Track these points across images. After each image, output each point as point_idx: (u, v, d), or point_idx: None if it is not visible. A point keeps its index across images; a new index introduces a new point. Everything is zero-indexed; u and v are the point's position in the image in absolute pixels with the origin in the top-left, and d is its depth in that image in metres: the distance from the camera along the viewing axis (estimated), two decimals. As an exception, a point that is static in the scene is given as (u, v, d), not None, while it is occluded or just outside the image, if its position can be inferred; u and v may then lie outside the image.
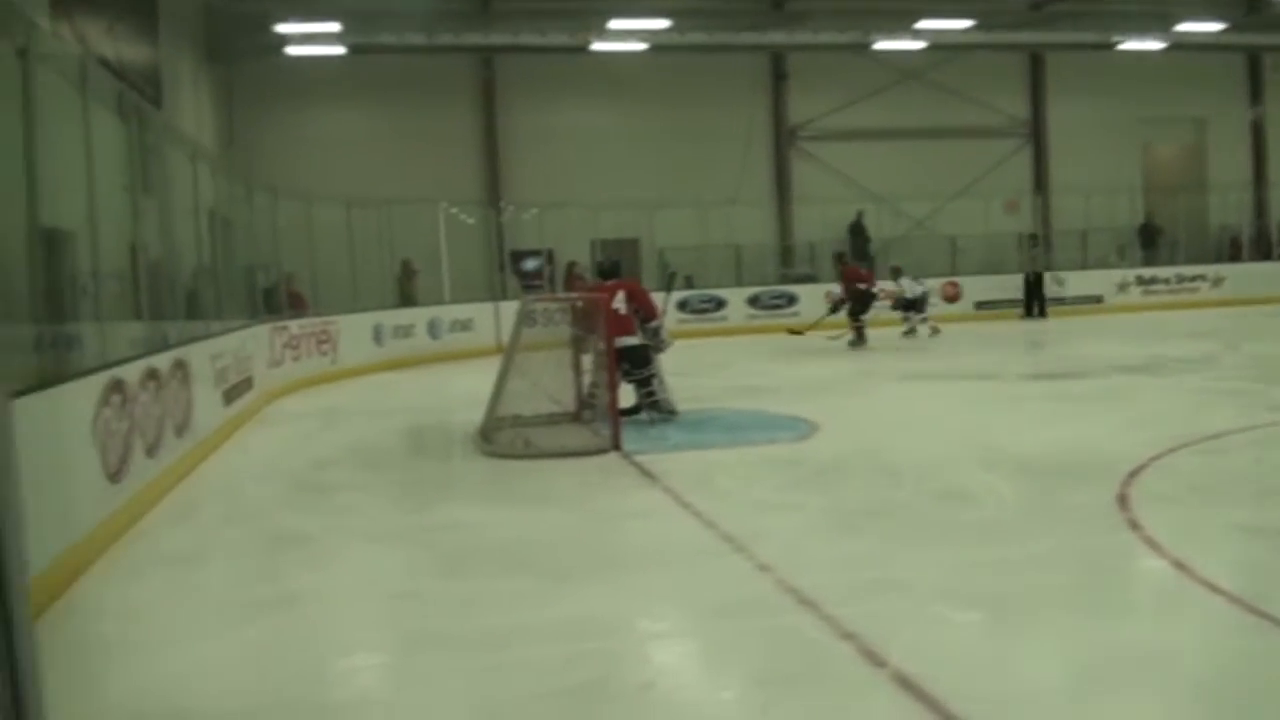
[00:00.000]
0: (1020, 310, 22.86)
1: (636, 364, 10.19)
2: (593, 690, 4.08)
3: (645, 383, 10.27)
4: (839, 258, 19.11)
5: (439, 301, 19.48)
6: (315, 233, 16.79)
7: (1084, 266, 24.36)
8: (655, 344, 10.37)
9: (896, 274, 19.34)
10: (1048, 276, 22.94)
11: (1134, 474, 7.24)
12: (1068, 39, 24.82)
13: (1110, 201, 25.36)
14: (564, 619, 4.87)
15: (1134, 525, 6.05)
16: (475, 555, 6.14)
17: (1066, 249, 24.82)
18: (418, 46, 21.84)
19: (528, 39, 22.13)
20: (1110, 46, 25.20)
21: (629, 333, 10.14)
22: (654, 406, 10.28)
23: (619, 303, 10.19)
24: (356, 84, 22.48)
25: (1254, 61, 27.96)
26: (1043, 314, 22.60)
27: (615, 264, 11.07)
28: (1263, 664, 4.20)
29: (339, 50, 21.54)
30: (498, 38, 22.24)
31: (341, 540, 6.64)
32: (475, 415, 9.95)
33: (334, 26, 20.75)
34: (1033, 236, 23.43)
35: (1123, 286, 23.61)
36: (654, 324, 10.38)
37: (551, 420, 9.99)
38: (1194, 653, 4.37)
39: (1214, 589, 4.94)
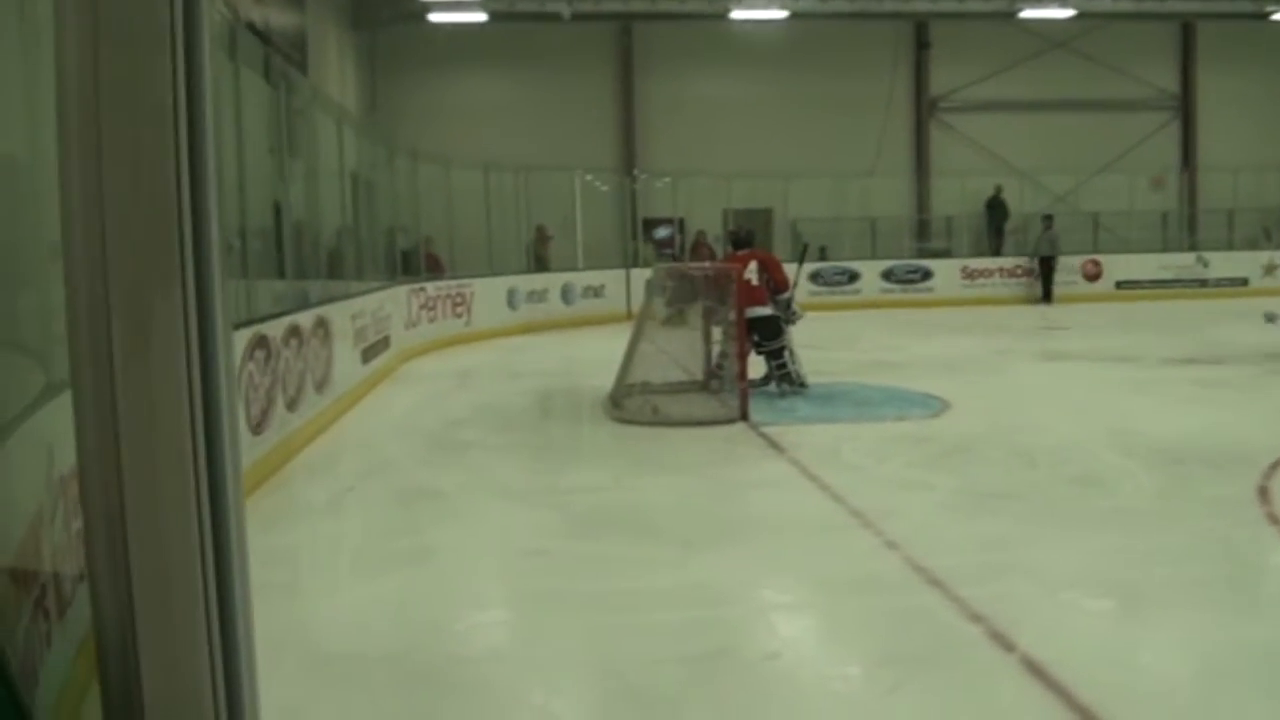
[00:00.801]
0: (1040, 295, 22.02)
1: (767, 335, 10.17)
2: (716, 658, 4.12)
3: (776, 354, 10.23)
4: None
5: (572, 268, 19.67)
6: (453, 197, 17.09)
7: (1230, 247, 23.45)
8: (786, 315, 10.33)
9: None
10: (1061, 261, 22.07)
11: (1276, 466, 7.00)
12: (1221, 8, 23.82)
13: (1260, 179, 24.33)
14: (689, 585, 4.92)
15: (1274, 519, 5.87)
16: (603, 518, 6.23)
17: (1213, 228, 23.95)
18: (557, 14, 21.97)
19: (667, 6, 22.10)
20: (1265, 17, 24.10)
21: (760, 303, 10.12)
22: (785, 378, 10.24)
23: (751, 273, 10.17)
24: (496, 51, 22.71)
25: None
26: (1048, 299, 21.66)
27: (749, 233, 11.02)
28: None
29: (480, 17, 21.78)
30: (637, 5, 22.25)
31: (474, 497, 6.80)
32: (605, 381, 10.05)
33: (476, -6, 21.04)
34: (1046, 217, 22.34)
35: (1270, 269, 22.68)
36: (785, 295, 10.35)
37: (679, 388, 10.03)
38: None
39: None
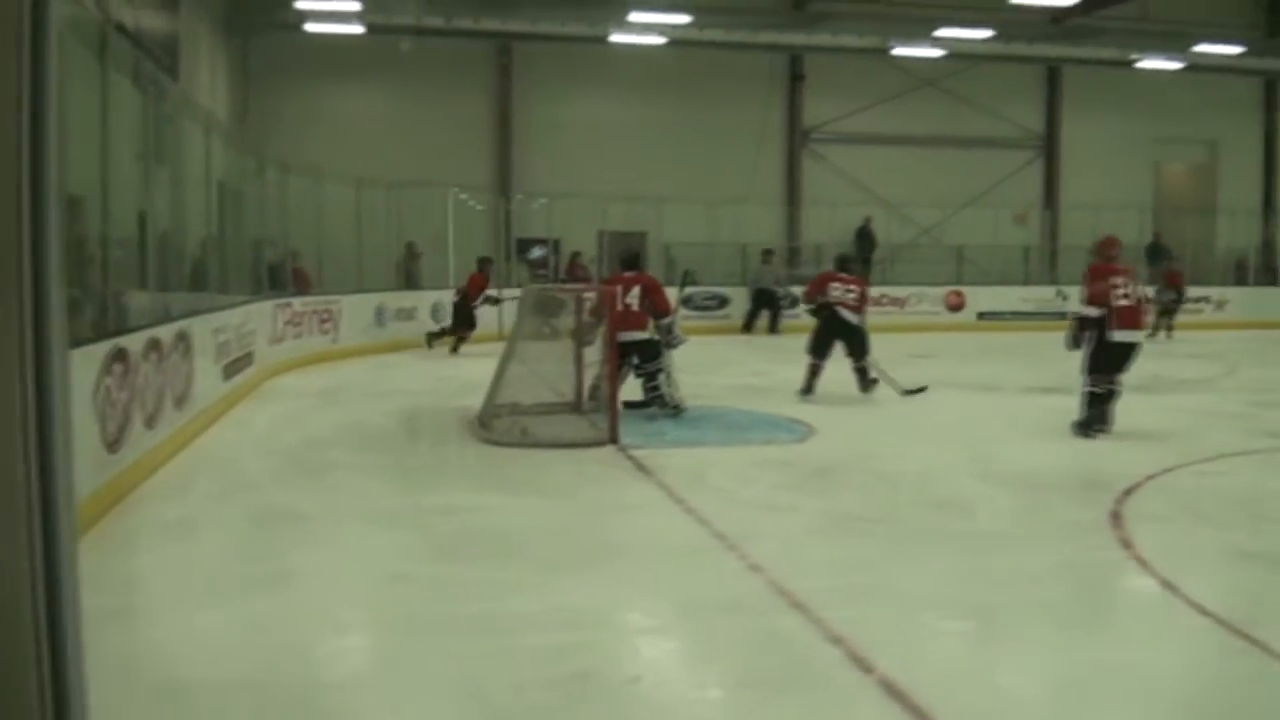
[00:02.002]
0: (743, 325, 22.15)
1: (645, 358, 10.25)
2: (579, 681, 4.10)
3: (651, 376, 10.32)
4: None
5: (443, 286, 19.48)
6: (323, 211, 16.80)
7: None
8: (667, 340, 10.41)
9: None
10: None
11: (1129, 492, 7.26)
12: (1086, 54, 24.76)
13: (1119, 218, 25.20)
14: (554, 609, 4.89)
15: (1126, 544, 6.07)
16: (468, 541, 6.16)
17: (1073, 264, 24.76)
18: (436, 29, 21.81)
19: (546, 27, 22.09)
20: (1128, 64, 25.15)
21: (639, 327, 10.22)
22: (658, 401, 10.31)
23: (633, 296, 10.26)
24: (373, 64, 22.44)
25: (1270, 86, 27.91)
26: (774, 330, 21.74)
27: (635, 255, 11.11)
28: (1246, 688, 4.23)
29: (357, 29, 21.50)
30: (516, 24, 22.20)
31: (336, 520, 6.66)
32: (474, 401, 9.98)
33: (353, 4, 20.70)
34: (766, 251, 22.72)
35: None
36: (667, 320, 10.44)
37: (550, 410, 9.99)
38: (1178, 673, 4.41)
39: (1202, 611, 4.96)
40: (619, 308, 10.07)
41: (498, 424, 9.41)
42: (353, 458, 8.75)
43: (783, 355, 16.57)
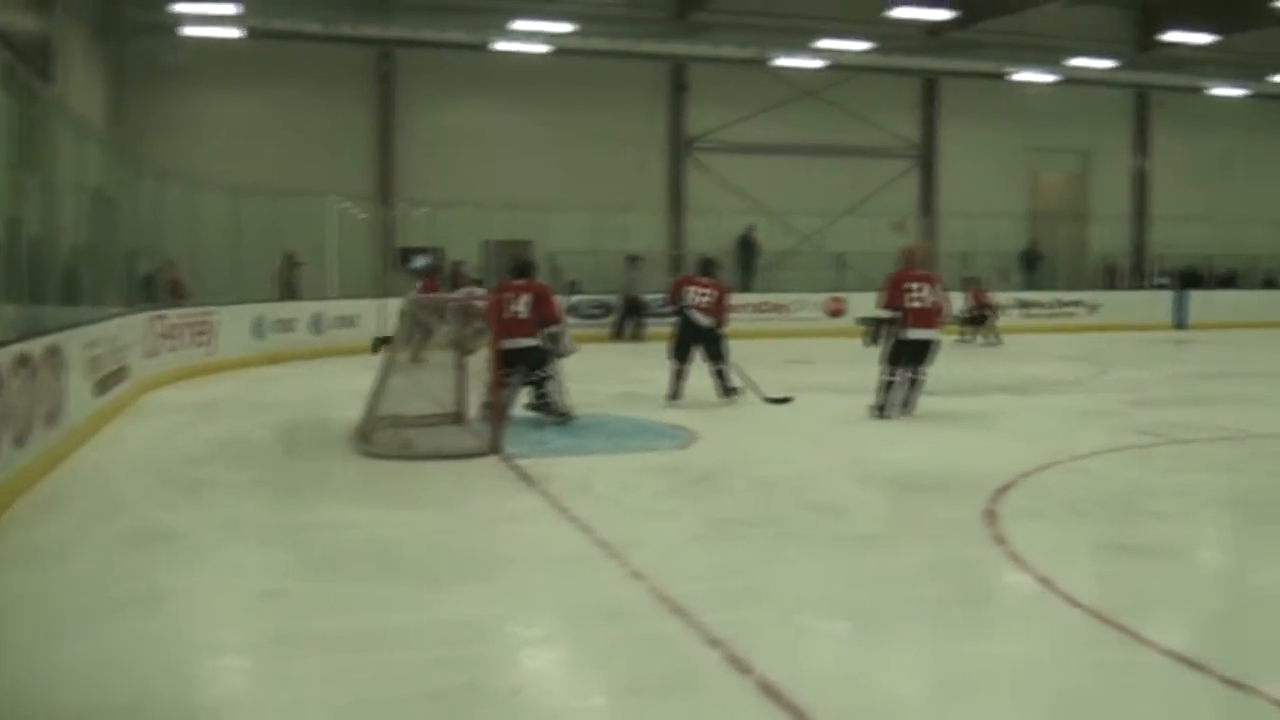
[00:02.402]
0: (612, 331, 22.34)
1: (533, 365, 10.28)
2: (461, 695, 4.07)
3: (539, 384, 10.35)
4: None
5: (323, 296, 19.20)
6: (201, 219, 16.44)
7: (966, 289, 24.76)
8: (556, 349, 10.44)
9: None
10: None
11: (1002, 491, 7.44)
12: (962, 67, 25.39)
13: (995, 226, 25.97)
14: (435, 622, 4.85)
15: (1000, 540, 6.23)
16: (347, 556, 6.05)
17: (951, 270, 25.31)
18: (315, 35, 21.49)
19: (428, 34, 21.91)
20: (1002, 76, 25.84)
21: (527, 335, 10.24)
22: (544, 408, 10.34)
23: (522, 305, 10.28)
24: (252, 69, 22.01)
25: (1141, 99, 28.93)
26: (638, 337, 21.96)
27: (527, 263, 11.13)
28: (1120, 675, 4.37)
29: (235, 33, 21.07)
30: (397, 30, 21.98)
31: (211, 538, 6.50)
32: (354, 413, 9.83)
33: (231, 8, 20.29)
34: (632, 258, 23.00)
35: (1003, 309, 24.14)
36: (556, 329, 10.47)
37: (431, 421, 9.89)
38: (1054, 665, 4.52)
39: (1075, 603, 5.11)
40: (507, 315, 10.17)
41: (378, 437, 9.28)
42: (229, 474, 8.56)
43: (662, 362, 16.68)
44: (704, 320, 11.94)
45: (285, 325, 17.70)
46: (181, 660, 4.52)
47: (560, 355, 10.52)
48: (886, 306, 11.14)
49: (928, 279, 11.27)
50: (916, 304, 10.97)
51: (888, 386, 11.05)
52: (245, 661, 4.66)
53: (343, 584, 5.49)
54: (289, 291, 19.21)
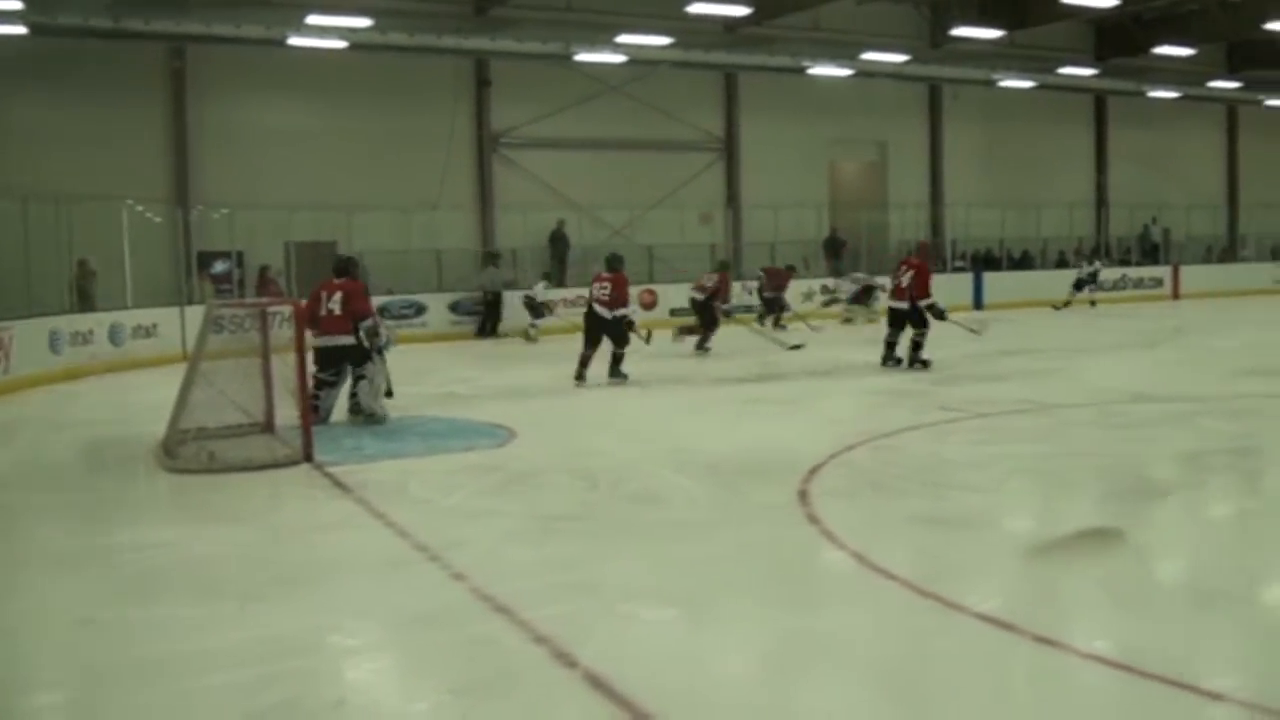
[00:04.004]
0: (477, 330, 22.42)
1: (356, 363, 10.36)
2: (284, 712, 3.98)
3: (354, 383, 10.41)
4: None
5: (121, 306, 18.39)
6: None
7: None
8: (373, 343, 10.45)
9: None
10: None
11: (814, 471, 7.67)
12: (760, 62, 25.86)
13: (798, 216, 26.64)
14: (254, 640, 4.70)
15: (814, 520, 6.42)
16: (161, 578, 5.82)
17: (757, 260, 25.82)
18: (105, 30, 20.49)
19: (221, 29, 21.13)
20: (800, 71, 26.46)
21: (345, 332, 10.31)
22: (355, 409, 10.32)
23: (335, 302, 10.36)
24: (38, 68, 20.76)
25: (934, 90, 30.07)
26: (494, 333, 22.08)
27: (348, 262, 11.20)
28: (935, 640, 4.58)
29: (19, 29, 19.86)
30: (190, 26, 21.05)
31: (13, 567, 6.17)
32: (159, 428, 9.46)
33: (14, 3, 19.15)
34: (491, 255, 23.29)
35: (808, 295, 24.76)
36: (368, 323, 10.46)
37: (239, 432, 9.58)
38: (872, 634, 4.69)
39: (889, 575, 5.32)
40: (323, 313, 10.34)
41: (183, 451, 8.93)
42: (30, 498, 8.13)
43: (493, 361, 16.61)
44: (604, 312, 13.17)
45: (83, 338, 16.86)
46: (-7, 699, 4.27)
47: (377, 350, 10.50)
48: (922, 295, 13.95)
49: (911, 265, 14.18)
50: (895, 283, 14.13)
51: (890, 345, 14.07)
52: (58, 697, 4.42)
53: (158, 607, 5.27)
54: (84, 302, 18.34)
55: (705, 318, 17.16)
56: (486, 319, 22.33)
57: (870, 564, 5.51)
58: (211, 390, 9.37)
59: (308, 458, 8.58)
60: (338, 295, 10.45)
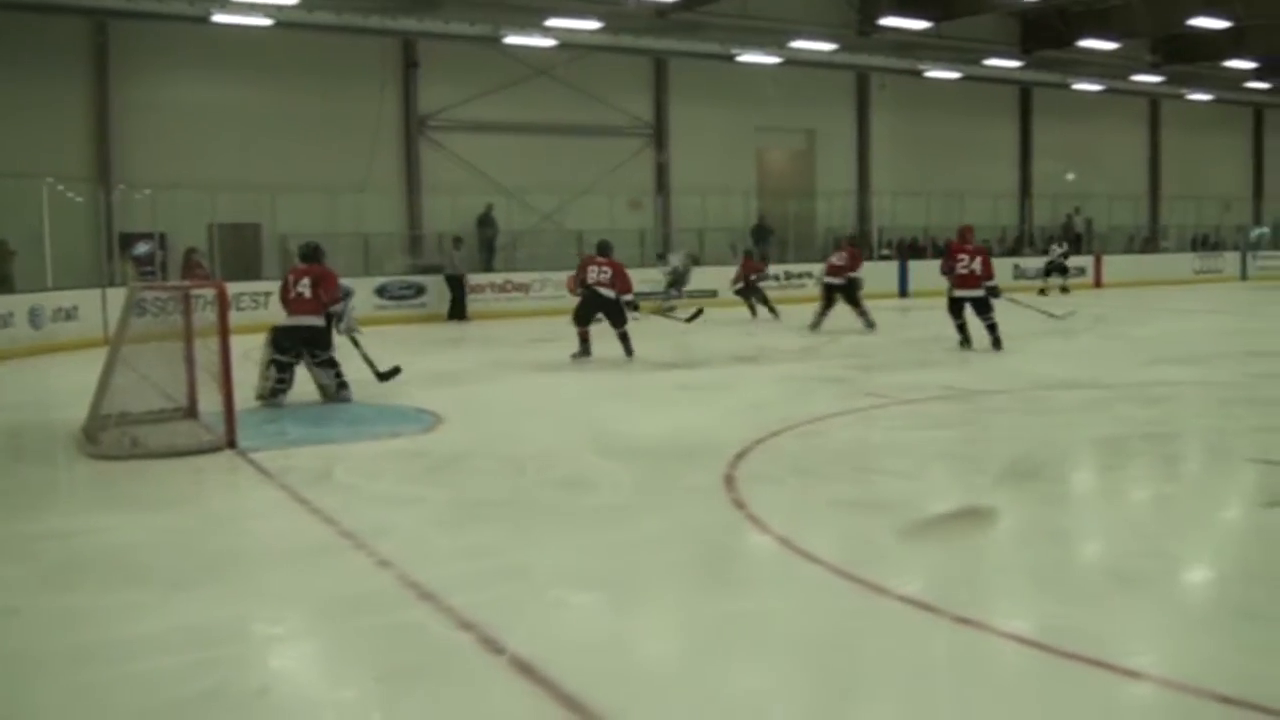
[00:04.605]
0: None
1: (320, 346, 10.65)
2: (205, 700, 3.95)
3: (330, 363, 10.68)
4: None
5: (41, 288, 18.04)
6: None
7: (699, 264, 25.35)
8: (340, 327, 10.79)
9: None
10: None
11: (740, 456, 7.75)
12: (689, 48, 25.90)
13: (726, 202, 26.78)
14: (176, 628, 4.66)
15: (740, 504, 6.49)
16: (81, 566, 5.72)
17: (686, 246, 25.92)
18: (23, 4, 20.06)
19: (144, 5, 20.72)
20: (729, 58, 26.56)
21: (315, 313, 10.65)
22: (344, 387, 10.66)
23: (304, 286, 10.69)
24: (-49, 43, 20.35)
25: (862, 80, 30.34)
26: (463, 316, 22.35)
27: (315, 248, 11.35)
28: (859, 621, 4.68)
29: (-68, 4, 19.41)
30: (112, 1, 20.75)
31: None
32: (80, 413, 9.31)
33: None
34: (456, 239, 23.22)
35: (735, 281, 24.84)
36: (335, 307, 10.78)
37: (162, 417, 9.46)
38: (796, 617, 4.75)
39: (813, 559, 5.40)
40: (293, 295, 10.75)
41: (105, 436, 8.80)
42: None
43: (414, 347, 16.49)
44: (608, 293, 14.08)
45: (2, 321, 16.54)
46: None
47: (342, 332, 10.84)
48: (943, 272, 14.64)
49: (977, 251, 14.58)
50: (964, 271, 14.29)
51: (961, 328, 14.44)
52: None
53: (78, 595, 5.19)
54: (3, 283, 17.96)
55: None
56: (455, 300, 22.22)
57: (795, 548, 5.59)
58: (134, 375, 9.23)
59: (231, 444, 8.49)
60: (306, 280, 10.74)
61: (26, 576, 5.60)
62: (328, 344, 10.75)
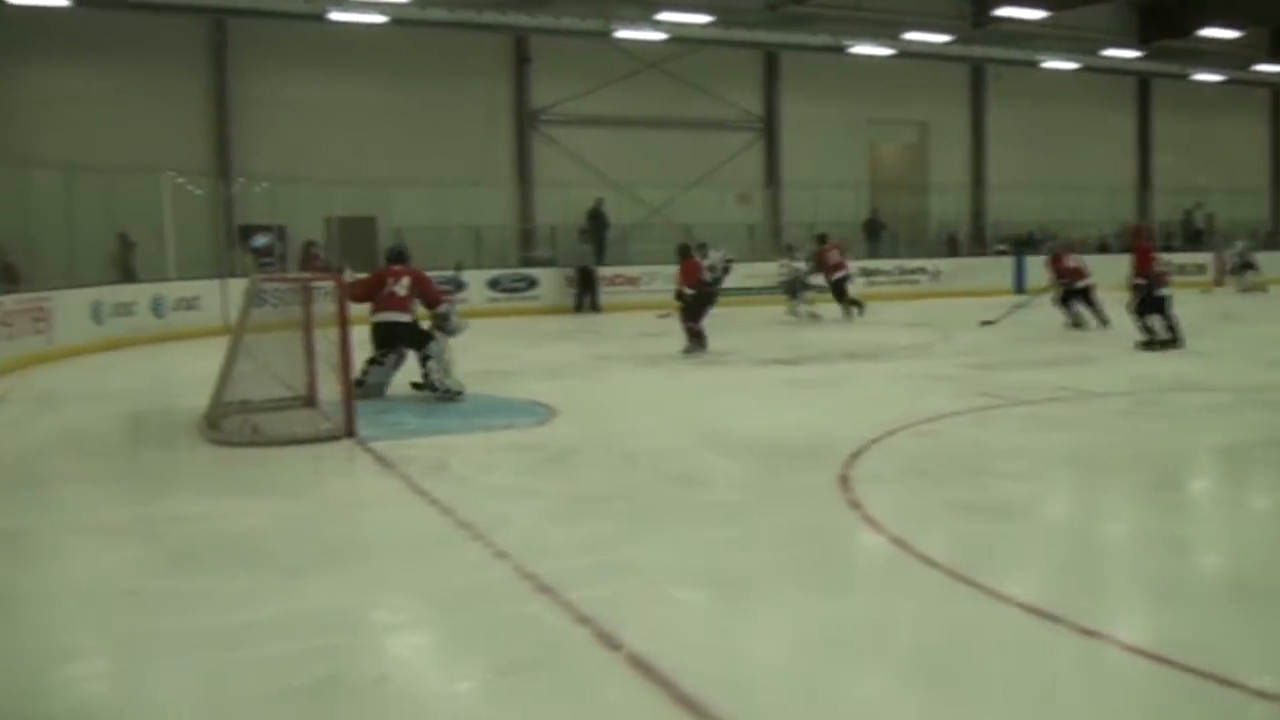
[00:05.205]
0: (574, 305, 22.81)
1: (411, 344, 10.60)
2: (327, 687, 3.99)
3: (421, 363, 10.56)
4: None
5: (163, 278, 18.55)
6: (31, 200, 15.69)
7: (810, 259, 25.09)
8: (444, 327, 10.68)
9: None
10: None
11: (855, 456, 7.63)
12: (801, 40, 25.74)
13: (837, 196, 26.47)
14: (296, 614, 4.74)
15: (855, 505, 6.38)
16: (203, 549, 5.86)
17: (798, 239, 25.71)
18: (146, 4, 20.64)
19: (262, 3, 21.23)
20: (841, 50, 26.30)
21: (406, 310, 10.61)
22: (430, 387, 10.47)
23: (401, 286, 10.62)
24: (80, 41, 20.90)
25: (976, 71, 29.82)
26: (595, 308, 22.50)
27: (401, 251, 11.48)
28: (974, 630, 4.53)
29: (63, 2, 20.01)
30: (231, 0, 21.26)
31: (58, 536, 6.23)
32: (201, 400, 9.54)
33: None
34: (582, 231, 23.50)
35: (850, 278, 24.54)
36: (441, 309, 10.75)
37: (282, 405, 9.66)
38: (912, 623, 4.65)
39: (929, 562, 5.28)
40: (387, 293, 10.64)
41: (227, 423, 9.02)
42: (75, 467, 8.24)
43: (526, 339, 16.63)
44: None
45: (125, 309, 17.05)
46: (32, 669, 4.32)
47: (450, 334, 10.71)
48: (1140, 274, 14.06)
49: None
50: (1161, 269, 14.33)
51: (1147, 329, 13.98)
52: (102, 665, 4.46)
53: (200, 579, 5.33)
54: (126, 274, 18.51)
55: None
56: (582, 294, 22.41)
57: (912, 550, 5.48)
58: (254, 364, 9.45)
59: (350, 433, 8.64)
60: (405, 279, 10.71)
61: (149, 558, 5.77)
62: (422, 342, 10.60)
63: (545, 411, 9.78)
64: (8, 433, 9.75)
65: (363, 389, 10.07)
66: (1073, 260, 16.96)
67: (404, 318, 10.62)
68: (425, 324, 10.74)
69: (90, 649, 4.63)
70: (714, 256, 18.46)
